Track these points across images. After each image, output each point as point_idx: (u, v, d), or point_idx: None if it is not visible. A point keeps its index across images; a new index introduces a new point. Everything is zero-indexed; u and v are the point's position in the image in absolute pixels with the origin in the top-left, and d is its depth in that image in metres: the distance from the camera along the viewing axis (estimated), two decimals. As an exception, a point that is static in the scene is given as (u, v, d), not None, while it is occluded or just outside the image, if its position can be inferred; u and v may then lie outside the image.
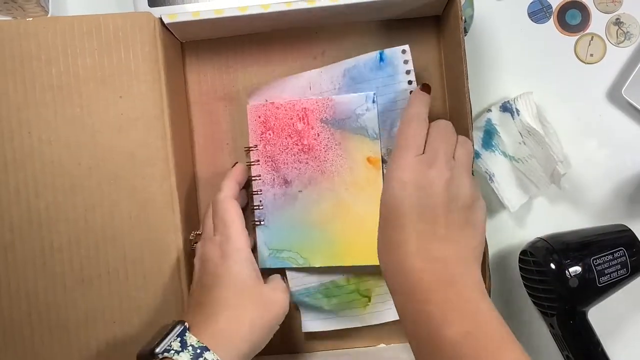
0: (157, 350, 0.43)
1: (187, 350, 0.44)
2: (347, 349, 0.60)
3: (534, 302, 0.58)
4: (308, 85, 0.58)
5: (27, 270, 0.53)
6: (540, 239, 0.56)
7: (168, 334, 0.45)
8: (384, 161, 0.56)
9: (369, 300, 0.58)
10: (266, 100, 0.58)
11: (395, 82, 0.56)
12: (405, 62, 0.56)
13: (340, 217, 0.56)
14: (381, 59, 0.56)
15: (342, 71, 0.57)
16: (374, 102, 0.56)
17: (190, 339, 0.45)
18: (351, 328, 0.59)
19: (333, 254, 0.56)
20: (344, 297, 0.58)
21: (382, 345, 0.59)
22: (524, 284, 0.58)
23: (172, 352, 0.43)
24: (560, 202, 0.61)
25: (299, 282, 0.58)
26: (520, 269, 0.58)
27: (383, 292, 0.58)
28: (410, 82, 0.56)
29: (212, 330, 0.46)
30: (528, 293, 0.58)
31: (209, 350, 0.44)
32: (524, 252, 0.57)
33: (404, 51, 0.56)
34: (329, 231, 0.57)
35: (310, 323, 0.59)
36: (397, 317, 0.55)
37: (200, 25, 0.55)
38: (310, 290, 0.58)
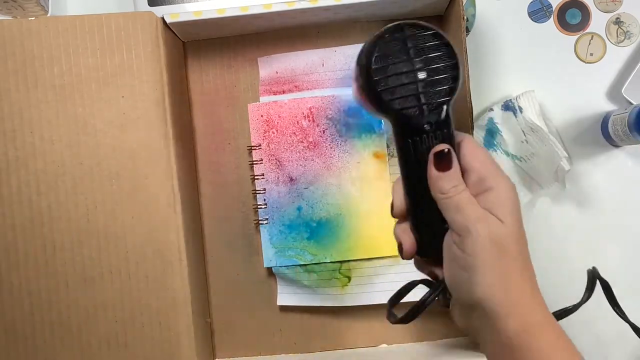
0: None
1: None
2: (347, 349, 0.60)
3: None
4: (321, 61, 0.58)
5: (29, 270, 0.53)
6: None
7: None
8: (389, 155, 0.57)
9: (349, 281, 0.58)
10: (277, 73, 0.59)
11: None
12: None
13: (348, 212, 0.57)
14: None
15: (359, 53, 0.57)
16: None
17: None
18: (351, 327, 0.59)
19: (343, 249, 0.57)
20: (324, 274, 0.58)
21: (384, 345, 0.59)
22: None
23: None
24: (560, 201, 0.61)
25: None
26: None
27: (363, 275, 0.58)
28: None
29: None
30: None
31: None
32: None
33: None
34: (337, 226, 0.57)
35: (287, 297, 0.59)
36: (371, 302, 0.57)
37: (202, 24, 0.55)
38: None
